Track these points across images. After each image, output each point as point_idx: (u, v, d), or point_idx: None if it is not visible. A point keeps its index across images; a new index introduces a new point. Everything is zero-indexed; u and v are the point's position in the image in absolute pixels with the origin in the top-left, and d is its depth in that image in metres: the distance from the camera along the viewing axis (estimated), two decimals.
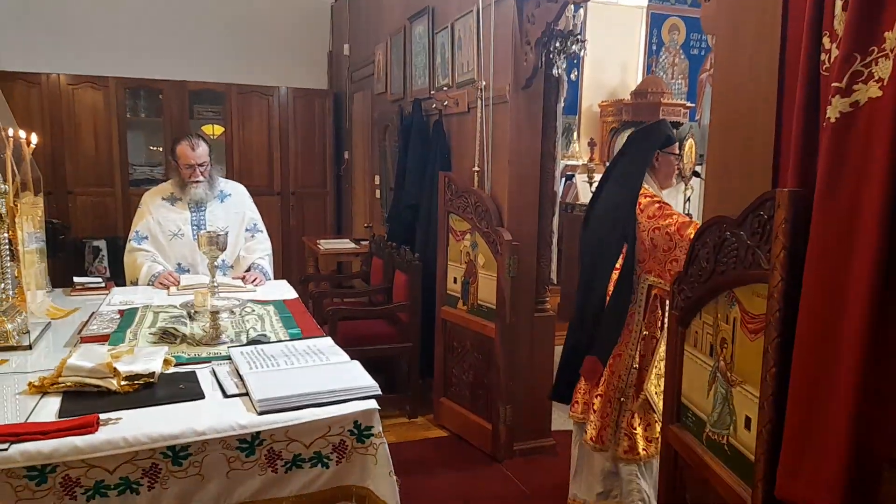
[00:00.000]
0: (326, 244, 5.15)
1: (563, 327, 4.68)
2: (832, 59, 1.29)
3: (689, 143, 6.23)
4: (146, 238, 3.18)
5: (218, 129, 6.36)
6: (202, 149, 3.18)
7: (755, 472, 1.49)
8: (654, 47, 6.25)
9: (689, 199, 6.24)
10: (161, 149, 6.21)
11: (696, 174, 6.00)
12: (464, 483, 3.10)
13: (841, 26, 1.25)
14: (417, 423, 3.73)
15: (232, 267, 3.29)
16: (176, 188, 3.24)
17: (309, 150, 6.56)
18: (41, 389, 1.71)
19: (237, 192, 3.40)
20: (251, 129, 6.32)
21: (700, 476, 1.78)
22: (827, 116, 1.26)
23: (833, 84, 1.24)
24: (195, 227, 3.18)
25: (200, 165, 3.17)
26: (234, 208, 3.34)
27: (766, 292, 1.45)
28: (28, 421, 1.55)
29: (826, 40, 1.32)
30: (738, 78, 1.74)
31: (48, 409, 1.61)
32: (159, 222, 3.19)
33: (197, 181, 3.17)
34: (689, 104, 6.02)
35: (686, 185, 6.27)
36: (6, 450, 1.39)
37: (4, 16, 5.78)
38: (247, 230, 3.35)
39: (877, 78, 1.18)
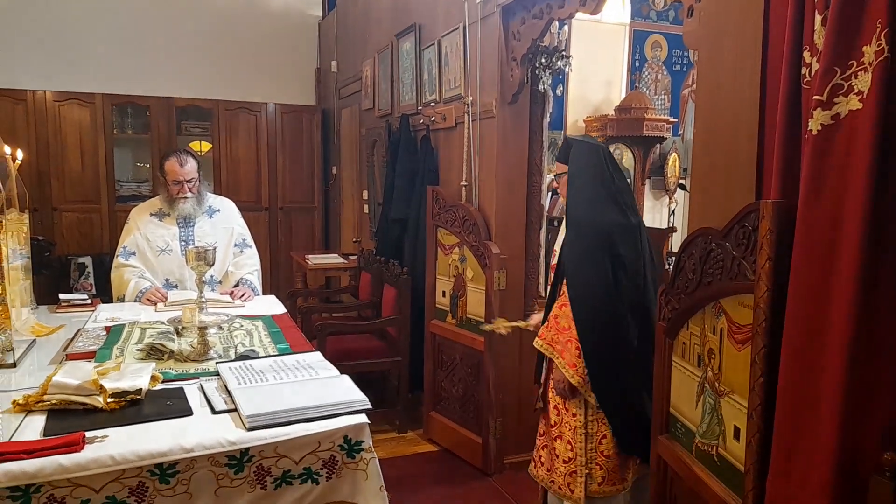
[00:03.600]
0: (315, 259, 5.13)
1: None
2: (813, 73, 1.31)
3: (673, 157, 6.31)
4: (133, 254, 3.16)
5: (206, 146, 6.35)
6: (190, 165, 3.17)
7: (745, 483, 1.50)
8: (637, 64, 6.33)
9: (673, 211, 6.31)
10: (148, 165, 6.18)
11: (681, 187, 6.07)
12: (454, 498, 3.08)
13: (821, 41, 1.28)
14: (407, 438, 3.71)
15: (220, 282, 3.27)
16: (164, 204, 3.23)
17: (297, 165, 6.57)
18: (26, 408, 1.68)
19: (226, 208, 3.39)
20: (239, 145, 6.31)
21: (690, 487, 1.79)
22: (809, 129, 1.29)
23: (814, 97, 1.27)
24: (183, 243, 3.16)
25: (189, 181, 3.16)
26: (223, 224, 3.33)
27: (752, 303, 1.47)
28: (12, 440, 1.52)
29: (807, 54, 1.35)
30: (721, 92, 1.77)
31: (32, 428, 1.59)
32: (147, 238, 3.17)
33: (185, 197, 3.16)
34: (672, 119, 6.09)
35: (671, 198, 6.35)
36: None
37: None
38: (235, 245, 3.34)
39: (856, 91, 1.21)
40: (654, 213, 6.39)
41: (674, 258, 1.90)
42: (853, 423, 1.22)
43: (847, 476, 1.23)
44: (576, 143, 2.38)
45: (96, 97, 5.83)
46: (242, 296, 3.10)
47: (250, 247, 3.40)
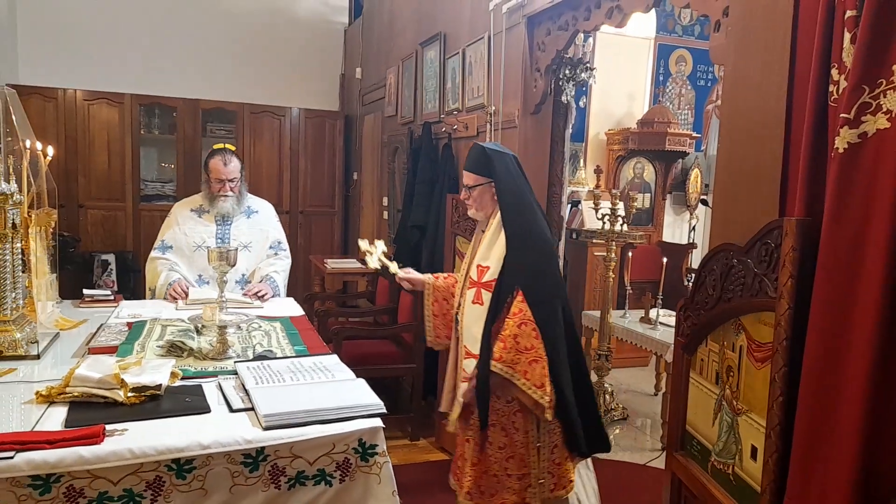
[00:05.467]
0: (333, 263, 5.17)
1: None
2: (840, 91, 1.31)
3: (695, 172, 6.28)
4: (170, 248, 3.23)
5: (230, 148, 6.42)
6: (234, 165, 3.26)
7: (761, 503, 1.48)
8: (661, 78, 6.32)
9: (693, 227, 6.26)
10: (173, 166, 6.27)
11: (703, 202, 6.03)
12: None
13: (849, 58, 1.27)
14: (419, 446, 3.71)
15: (249, 282, 3.31)
16: (205, 201, 3.30)
17: (318, 170, 6.63)
18: (48, 399, 1.71)
19: (264, 210, 3.45)
20: (262, 148, 6.39)
21: None
22: (835, 147, 1.28)
23: (841, 115, 1.26)
24: (219, 241, 3.22)
25: (230, 181, 3.24)
26: (259, 225, 3.38)
27: (773, 320, 1.46)
28: (34, 430, 1.55)
29: (834, 72, 1.34)
30: (747, 107, 1.76)
31: (54, 419, 1.61)
32: (185, 233, 3.24)
33: (226, 195, 3.23)
34: (695, 134, 6.07)
35: (692, 213, 6.30)
36: (12, 458, 1.39)
37: (23, 31, 5.90)
38: (270, 248, 3.39)
39: (885, 109, 1.20)
40: (675, 229, 6.35)
41: (694, 274, 1.89)
42: (873, 444, 1.20)
43: (866, 498, 1.21)
44: (495, 153, 2.23)
45: (125, 97, 5.94)
46: (258, 292, 3.12)
47: (284, 250, 3.45)
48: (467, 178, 2.29)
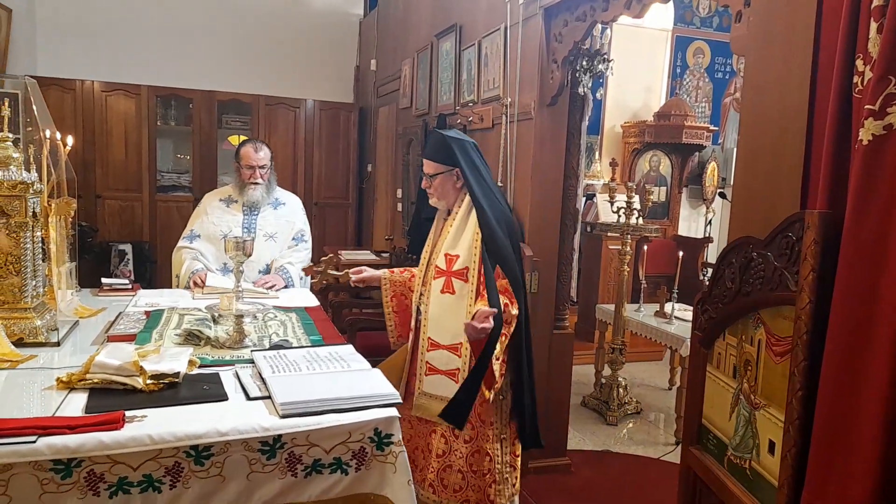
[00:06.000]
0: (347, 255, 5.18)
1: (581, 346, 4.68)
2: (865, 82, 1.29)
3: (712, 166, 6.23)
4: (198, 237, 3.27)
5: (245, 139, 6.47)
6: (264, 152, 3.32)
7: (778, 498, 1.47)
8: (679, 70, 6.27)
9: (710, 221, 6.20)
10: (189, 157, 6.31)
11: (721, 195, 5.98)
12: None
13: (875, 49, 1.25)
14: None
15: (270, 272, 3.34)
16: (234, 190, 3.35)
17: (333, 162, 6.65)
18: (68, 385, 1.73)
19: (291, 203, 3.50)
20: (277, 139, 6.41)
21: (720, 500, 1.76)
22: (859, 139, 1.26)
23: (866, 106, 1.24)
24: (245, 230, 3.27)
25: (261, 168, 3.29)
26: (286, 217, 3.43)
27: (793, 314, 1.44)
28: (55, 415, 1.57)
29: (859, 62, 1.32)
30: (768, 99, 1.74)
31: (75, 405, 1.64)
32: (213, 222, 3.29)
33: (255, 183, 3.28)
34: (712, 127, 6.01)
35: (708, 207, 6.24)
36: (34, 442, 1.41)
37: (42, 23, 5.96)
38: (293, 239, 3.43)
39: None
40: (691, 223, 6.31)
41: (709, 269, 1.87)
42: (895, 439, 1.19)
43: (886, 494, 1.20)
44: (455, 140, 2.20)
45: (142, 89, 5.98)
46: (266, 283, 3.15)
47: (305, 241, 3.49)
48: (427, 166, 2.24)
